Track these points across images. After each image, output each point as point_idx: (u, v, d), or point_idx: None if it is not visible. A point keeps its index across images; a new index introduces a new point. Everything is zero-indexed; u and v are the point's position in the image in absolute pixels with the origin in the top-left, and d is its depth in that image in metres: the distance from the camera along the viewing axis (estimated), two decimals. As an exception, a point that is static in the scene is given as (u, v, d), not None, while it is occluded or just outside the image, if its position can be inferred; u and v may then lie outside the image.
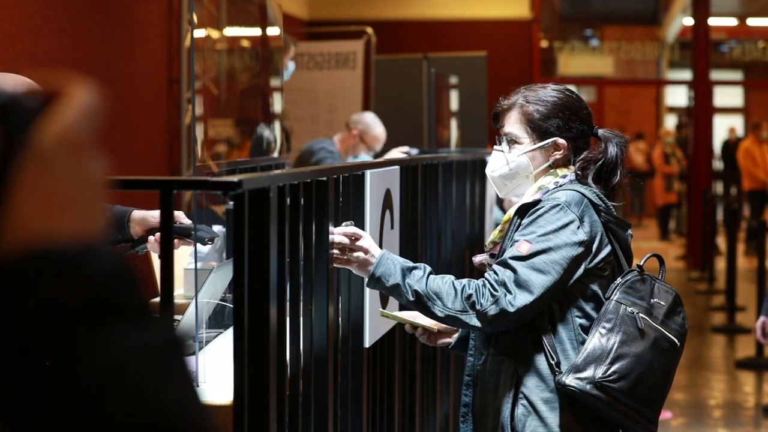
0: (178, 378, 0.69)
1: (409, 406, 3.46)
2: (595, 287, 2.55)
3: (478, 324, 2.45)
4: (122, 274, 0.68)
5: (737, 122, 20.55)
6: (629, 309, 2.51)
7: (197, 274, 2.91)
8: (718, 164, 16.50)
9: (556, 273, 2.46)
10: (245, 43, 4.49)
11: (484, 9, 11.93)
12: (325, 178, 2.41)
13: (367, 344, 2.81)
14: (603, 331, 2.49)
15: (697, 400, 6.70)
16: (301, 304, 2.36)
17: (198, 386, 2.48)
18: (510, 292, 2.42)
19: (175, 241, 2.69)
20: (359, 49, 9.00)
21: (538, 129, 2.65)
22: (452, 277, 2.51)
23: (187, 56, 6.86)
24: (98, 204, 0.69)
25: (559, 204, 2.51)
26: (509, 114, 2.68)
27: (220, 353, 2.73)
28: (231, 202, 1.90)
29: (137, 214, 2.77)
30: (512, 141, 2.67)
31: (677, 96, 20.62)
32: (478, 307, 2.43)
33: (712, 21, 12.79)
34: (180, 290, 3.69)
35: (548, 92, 2.66)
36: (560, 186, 2.60)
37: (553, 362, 2.50)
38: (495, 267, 2.48)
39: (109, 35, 6.07)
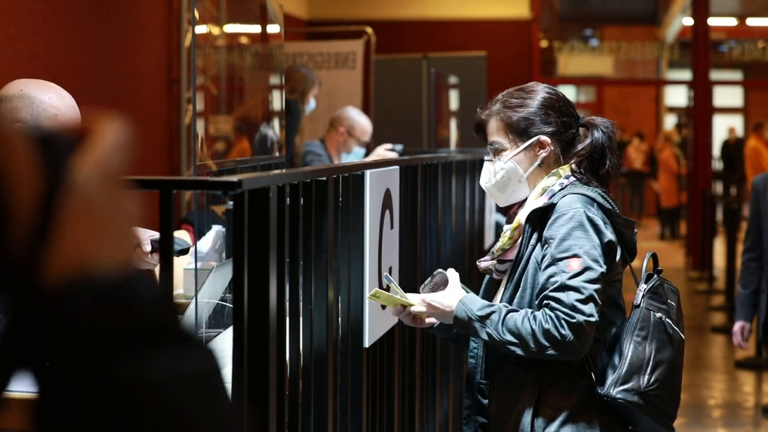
0: (218, 404, 0.70)
1: (409, 406, 3.46)
2: (611, 291, 2.57)
3: (570, 355, 2.46)
4: (162, 302, 0.70)
5: (737, 122, 20.55)
6: (657, 315, 2.56)
7: (197, 274, 2.92)
8: (717, 164, 16.50)
9: (604, 275, 2.49)
10: (245, 41, 4.49)
11: (484, 9, 11.93)
12: (324, 178, 2.41)
13: (366, 344, 2.81)
14: (638, 339, 2.53)
15: (696, 400, 6.70)
16: (301, 304, 2.36)
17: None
18: (582, 312, 2.42)
19: (155, 254, 2.76)
20: (359, 49, 9.00)
21: (517, 132, 2.64)
22: (525, 314, 2.48)
23: (187, 56, 6.86)
24: (131, 234, 0.72)
25: (581, 214, 2.50)
26: (489, 123, 2.69)
27: (220, 353, 2.73)
28: (231, 202, 1.90)
29: None
30: (497, 150, 2.68)
31: (677, 96, 20.63)
32: (560, 338, 2.43)
33: (712, 21, 12.79)
34: (180, 290, 3.69)
35: (522, 93, 2.67)
36: (564, 187, 2.59)
37: (591, 372, 2.53)
38: (556, 294, 2.44)
39: (109, 35, 6.07)
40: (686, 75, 14.87)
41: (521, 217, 2.62)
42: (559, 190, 2.59)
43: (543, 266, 2.50)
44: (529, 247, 2.56)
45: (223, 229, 3.77)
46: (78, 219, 0.68)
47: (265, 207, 1.95)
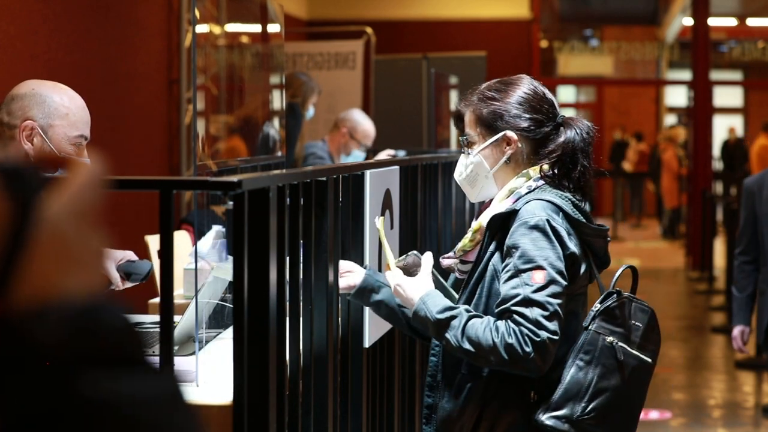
0: (182, 425, 0.74)
1: (409, 406, 3.46)
2: (573, 306, 2.44)
3: (531, 372, 2.33)
4: (127, 329, 0.74)
5: (737, 122, 20.56)
6: (608, 339, 2.40)
7: (197, 274, 2.92)
8: (717, 164, 16.51)
9: (566, 289, 2.37)
10: (245, 41, 4.49)
11: (484, 9, 11.94)
12: (324, 179, 2.41)
13: (366, 344, 2.81)
14: (581, 363, 2.38)
15: (696, 400, 6.70)
16: (301, 304, 2.36)
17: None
18: (547, 329, 2.30)
19: (126, 282, 2.96)
20: (359, 49, 9.00)
21: (487, 126, 2.54)
22: (488, 324, 2.34)
23: (187, 56, 6.86)
24: (100, 266, 0.76)
25: (544, 223, 2.37)
26: (466, 115, 2.60)
27: (220, 353, 2.73)
28: (231, 202, 1.90)
29: None
30: (469, 143, 2.59)
31: (677, 96, 20.64)
32: (523, 354, 2.29)
33: (712, 21, 12.79)
34: (180, 290, 3.69)
35: (500, 86, 2.56)
36: (532, 190, 2.48)
37: (532, 391, 2.40)
38: (519, 309, 2.31)
39: (109, 35, 6.07)
40: (686, 75, 14.88)
41: (483, 219, 2.51)
42: (526, 193, 2.48)
43: (505, 276, 2.36)
44: (488, 254, 2.44)
45: (223, 229, 3.77)
46: (46, 250, 0.71)
47: (265, 207, 1.95)
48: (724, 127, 17.91)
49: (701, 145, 12.52)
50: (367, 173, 2.75)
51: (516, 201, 2.47)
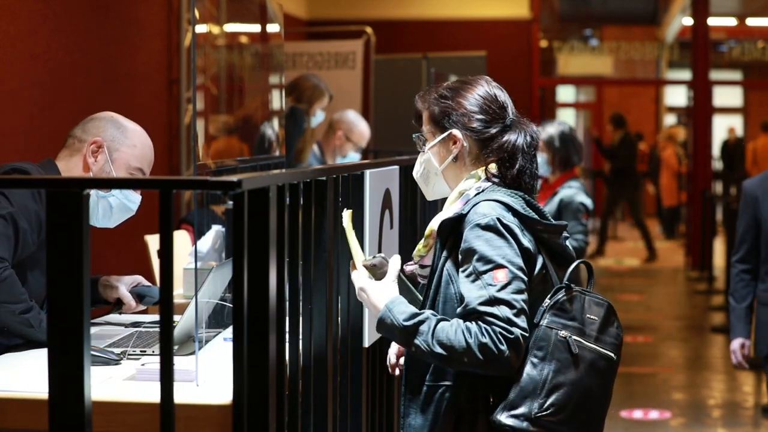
0: None
1: (409, 406, 3.46)
2: (534, 305, 2.38)
3: (505, 371, 2.30)
4: None
5: (737, 122, 20.55)
6: (561, 333, 2.34)
7: (197, 274, 2.92)
8: (717, 164, 16.50)
9: (528, 284, 2.35)
10: (245, 41, 4.49)
11: (484, 9, 11.94)
12: (324, 178, 2.41)
13: (366, 344, 2.81)
14: (535, 360, 2.33)
15: (696, 400, 6.70)
16: (301, 304, 2.36)
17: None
18: (518, 326, 2.28)
19: (136, 303, 3.14)
20: (359, 49, 9.00)
21: (437, 124, 2.55)
22: (458, 325, 2.30)
23: (186, 56, 6.87)
24: None
25: (495, 221, 2.35)
26: (423, 114, 2.60)
27: (220, 353, 2.73)
28: (230, 202, 1.90)
29: (108, 279, 3.16)
30: (423, 141, 2.60)
31: (677, 96, 20.63)
32: (498, 353, 2.27)
33: (712, 21, 12.79)
34: (179, 290, 3.69)
35: (454, 85, 2.57)
36: (481, 191, 2.46)
37: (490, 393, 2.37)
38: (487, 309, 2.29)
39: (109, 35, 6.07)
40: (686, 75, 14.88)
41: (434, 224, 2.49)
42: (476, 195, 2.46)
43: (466, 281, 2.34)
44: (441, 259, 2.42)
45: (223, 229, 3.77)
46: None
47: (265, 207, 1.95)
48: (724, 127, 17.90)
49: (701, 145, 12.52)
50: (367, 173, 2.75)
51: (465, 204, 2.45)
